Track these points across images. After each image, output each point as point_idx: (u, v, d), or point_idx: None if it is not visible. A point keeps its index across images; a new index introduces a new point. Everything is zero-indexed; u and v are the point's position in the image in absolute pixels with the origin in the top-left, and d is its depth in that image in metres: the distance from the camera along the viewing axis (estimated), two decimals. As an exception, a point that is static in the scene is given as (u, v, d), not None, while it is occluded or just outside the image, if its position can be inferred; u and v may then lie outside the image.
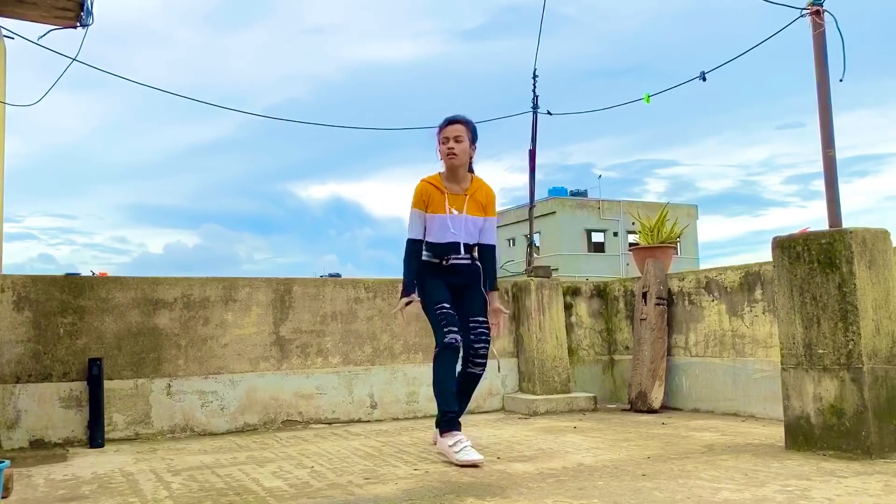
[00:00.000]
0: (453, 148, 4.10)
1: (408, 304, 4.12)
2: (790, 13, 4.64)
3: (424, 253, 4.24)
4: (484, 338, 4.14)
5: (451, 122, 4.17)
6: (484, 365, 4.17)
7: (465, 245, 4.19)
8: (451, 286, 4.21)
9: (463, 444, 3.89)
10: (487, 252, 4.29)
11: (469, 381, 4.22)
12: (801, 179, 67.09)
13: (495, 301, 4.28)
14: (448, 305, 4.11)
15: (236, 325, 5.28)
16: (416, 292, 4.15)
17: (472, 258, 4.25)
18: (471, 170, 4.28)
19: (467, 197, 4.18)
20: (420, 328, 5.75)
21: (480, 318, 4.17)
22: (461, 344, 4.03)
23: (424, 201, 4.18)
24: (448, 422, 3.99)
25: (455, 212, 4.15)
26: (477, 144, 4.25)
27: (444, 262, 4.20)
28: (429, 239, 4.21)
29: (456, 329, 4.02)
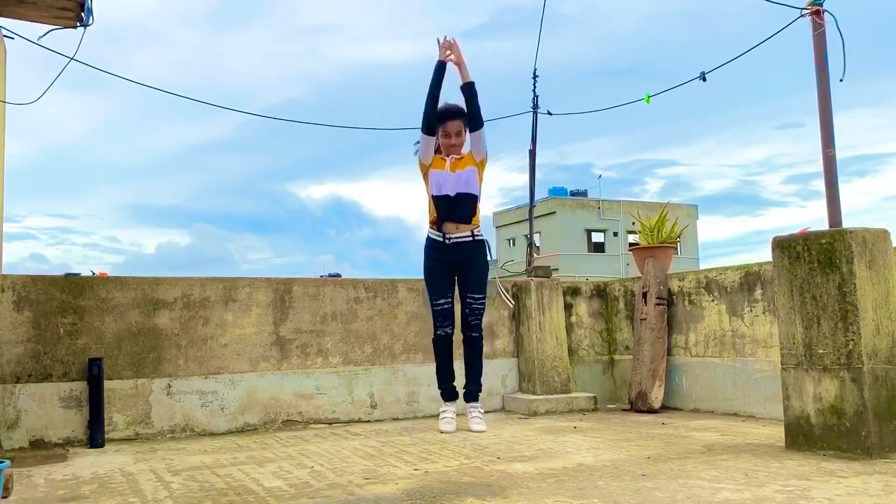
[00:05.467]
0: (455, 144, 4.57)
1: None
2: (790, 13, 4.63)
3: (429, 229, 4.72)
4: (477, 312, 4.72)
5: (450, 116, 4.50)
6: (478, 330, 4.77)
7: (465, 195, 4.55)
8: (452, 263, 4.63)
9: (445, 415, 4.72)
10: (467, 103, 4.60)
11: (469, 344, 4.79)
12: (801, 179, 67.11)
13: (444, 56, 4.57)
14: (444, 301, 4.65)
15: (236, 325, 5.28)
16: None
17: (473, 234, 4.58)
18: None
19: (455, 160, 4.62)
20: (419, 329, 5.76)
21: (477, 296, 4.70)
22: (452, 333, 4.69)
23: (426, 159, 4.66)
24: (442, 394, 4.82)
25: (455, 171, 4.61)
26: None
27: (446, 241, 4.59)
28: (432, 193, 4.65)
29: (449, 324, 4.67)
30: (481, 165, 4.68)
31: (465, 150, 4.70)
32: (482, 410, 4.86)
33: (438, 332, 4.71)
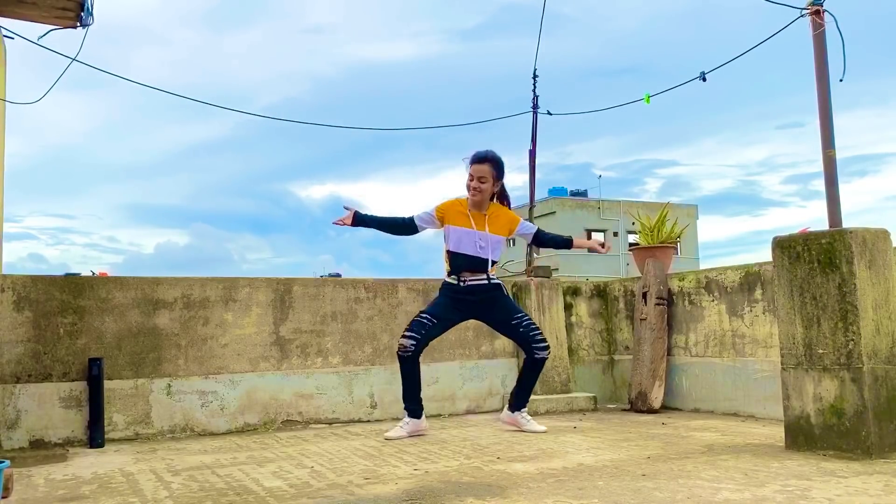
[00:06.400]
0: (478, 187, 4.53)
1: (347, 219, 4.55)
2: (790, 13, 4.64)
3: (445, 271, 4.64)
4: (533, 325, 4.60)
5: (479, 160, 4.61)
6: (546, 347, 4.61)
7: (486, 261, 4.53)
8: (471, 304, 4.57)
9: (400, 424, 4.63)
10: (540, 234, 4.84)
11: (536, 366, 4.65)
12: (801, 179, 67.10)
13: (586, 243, 4.80)
14: (429, 317, 4.49)
15: (236, 325, 5.28)
16: (357, 219, 4.56)
17: (489, 277, 4.56)
18: (494, 199, 4.69)
19: (487, 217, 4.57)
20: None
21: (519, 314, 4.60)
22: (412, 353, 4.45)
23: (443, 212, 4.60)
24: (407, 411, 4.64)
25: (478, 230, 4.54)
26: (502, 181, 4.66)
27: (461, 283, 4.55)
28: (449, 248, 4.58)
29: (417, 337, 4.42)
30: (508, 233, 4.71)
31: (489, 189, 4.55)
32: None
33: (401, 344, 4.43)
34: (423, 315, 4.55)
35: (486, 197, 4.59)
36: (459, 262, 4.56)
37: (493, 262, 4.62)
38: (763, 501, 2.81)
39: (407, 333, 4.48)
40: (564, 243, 4.84)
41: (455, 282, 4.59)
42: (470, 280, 4.56)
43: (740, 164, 71.03)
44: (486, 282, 4.57)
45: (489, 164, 4.57)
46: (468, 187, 4.59)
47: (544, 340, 4.63)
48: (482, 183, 4.54)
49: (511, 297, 4.78)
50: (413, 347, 4.44)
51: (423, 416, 4.72)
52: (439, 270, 4.80)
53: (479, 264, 4.54)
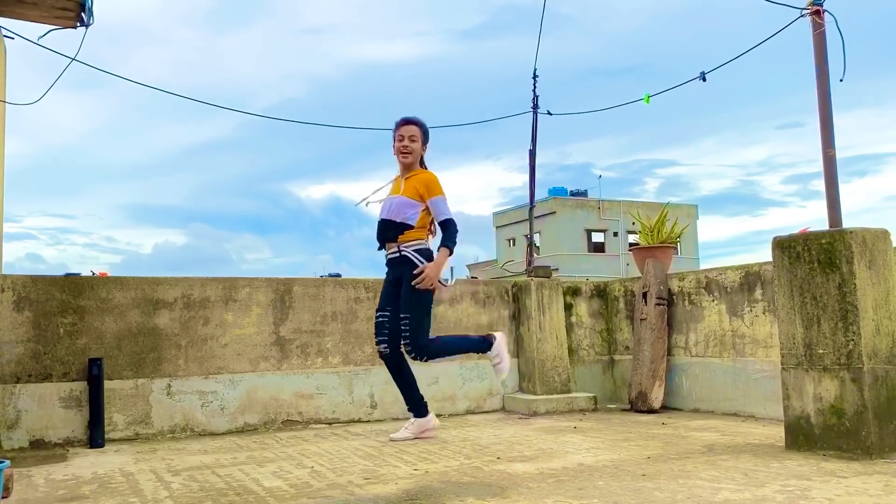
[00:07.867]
0: (407, 146, 4.40)
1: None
2: (790, 13, 4.64)
3: None
4: (406, 334, 4.26)
5: (406, 122, 4.48)
6: (408, 344, 4.31)
7: (387, 223, 4.31)
8: (392, 281, 4.40)
9: (405, 425, 4.52)
10: (442, 225, 4.35)
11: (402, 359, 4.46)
12: (801, 179, 67.10)
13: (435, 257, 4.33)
14: (378, 313, 4.42)
15: (236, 325, 5.28)
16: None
17: (400, 252, 4.30)
18: (423, 165, 4.52)
19: (403, 182, 4.40)
20: (420, 328, 5.75)
21: (401, 315, 4.30)
22: (389, 351, 4.34)
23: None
24: (411, 413, 4.50)
25: (393, 194, 4.42)
26: (428, 145, 4.54)
27: (386, 258, 4.44)
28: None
29: (384, 339, 4.36)
30: (421, 199, 4.33)
31: (416, 166, 4.43)
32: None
33: (378, 350, 4.43)
34: (377, 314, 4.48)
35: (416, 159, 4.44)
36: (377, 231, 4.42)
37: (406, 226, 4.30)
38: (763, 501, 2.81)
39: (376, 339, 4.41)
40: (441, 246, 4.35)
41: (384, 253, 4.51)
42: (388, 254, 4.43)
43: (740, 164, 71.02)
44: (396, 255, 4.34)
45: (417, 126, 4.46)
46: (398, 151, 4.42)
47: (408, 338, 4.29)
48: (413, 142, 4.39)
49: (412, 281, 4.49)
50: (386, 348, 4.37)
51: (431, 414, 4.55)
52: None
53: (386, 230, 4.41)
